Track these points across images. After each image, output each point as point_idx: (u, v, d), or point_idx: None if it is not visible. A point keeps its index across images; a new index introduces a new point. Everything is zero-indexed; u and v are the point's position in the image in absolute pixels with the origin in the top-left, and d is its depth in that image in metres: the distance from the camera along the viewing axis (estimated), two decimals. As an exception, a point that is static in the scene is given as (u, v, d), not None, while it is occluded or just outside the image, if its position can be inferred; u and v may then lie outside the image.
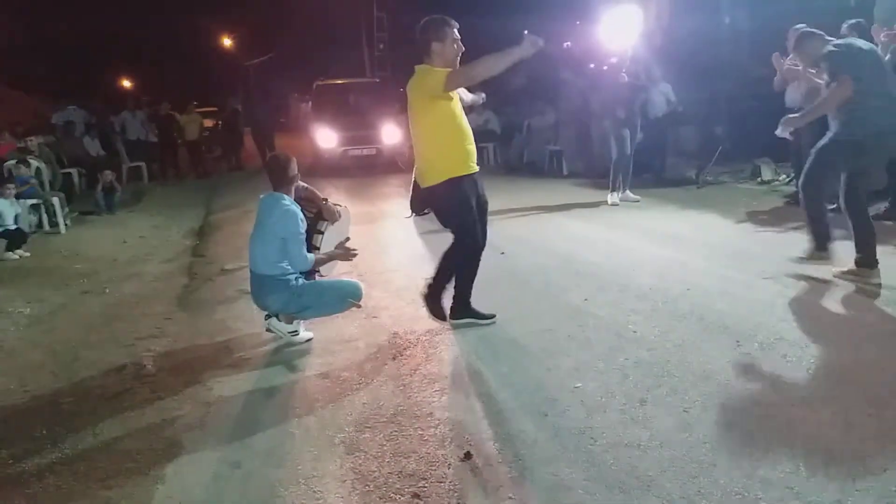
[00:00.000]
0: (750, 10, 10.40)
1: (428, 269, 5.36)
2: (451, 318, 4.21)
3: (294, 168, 4.10)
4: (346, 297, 4.10)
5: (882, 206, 6.46)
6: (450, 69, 3.86)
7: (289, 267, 3.97)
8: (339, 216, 4.30)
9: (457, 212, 4.02)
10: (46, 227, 8.76)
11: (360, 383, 3.53)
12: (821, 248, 4.91)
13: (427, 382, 3.47)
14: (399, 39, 28.68)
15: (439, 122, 3.95)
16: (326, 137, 13.45)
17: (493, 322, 4.19)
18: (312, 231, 4.19)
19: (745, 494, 2.37)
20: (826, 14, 7.23)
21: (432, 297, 4.21)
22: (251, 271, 4.09)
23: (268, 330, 4.15)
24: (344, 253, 4.22)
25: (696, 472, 2.52)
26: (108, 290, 5.85)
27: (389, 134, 13.29)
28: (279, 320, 4.12)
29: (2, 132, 10.46)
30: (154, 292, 5.74)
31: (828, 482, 2.40)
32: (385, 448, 2.85)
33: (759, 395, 3.09)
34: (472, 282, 4.16)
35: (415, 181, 4.23)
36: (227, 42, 36.68)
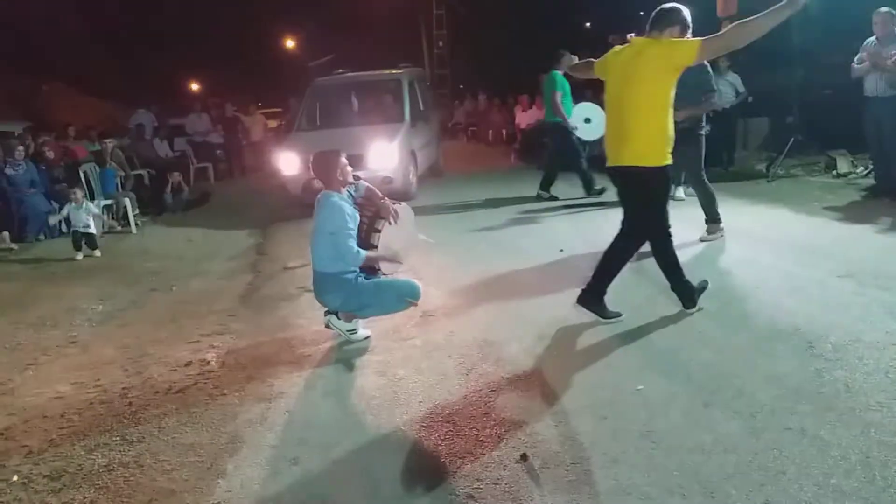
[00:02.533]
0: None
1: (480, 268, 5.36)
2: (579, 302, 4.09)
3: (341, 164, 4.07)
4: (405, 297, 4.09)
5: None
6: (701, 39, 3.63)
7: (346, 265, 3.98)
8: (397, 215, 4.29)
9: (659, 201, 4.00)
10: (118, 227, 9.13)
11: (416, 381, 3.53)
12: None
13: (483, 382, 3.44)
14: (458, 36, 28.98)
15: (668, 101, 3.77)
16: (288, 160, 9.36)
17: (620, 320, 4.06)
18: (371, 230, 4.18)
19: (816, 504, 2.25)
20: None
21: (596, 298, 4.08)
22: (313, 269, 4.14)
23: (327, 327, 4.20)
24: (392, 257, 4.23)
25: (763, 479, 2.41)
26: (174, 288, 6.05)
27: (379, 154, 9.11)
28: (339, 318, 4.16)
29: (67, 134, 10.88)
30: (219, 290, 5.90)
31: (908, 493, 2.26)
32: (440, 448, 2.84)
33: (832, 400, 2.93)
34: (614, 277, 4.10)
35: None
36: (290, 43, 37.49)
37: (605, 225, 6.74)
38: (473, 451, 2.78)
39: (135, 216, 9.24)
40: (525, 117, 14.89)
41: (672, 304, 4.26)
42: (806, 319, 3.80)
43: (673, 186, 8.11)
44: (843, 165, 8.64)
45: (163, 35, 28.36)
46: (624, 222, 4.11)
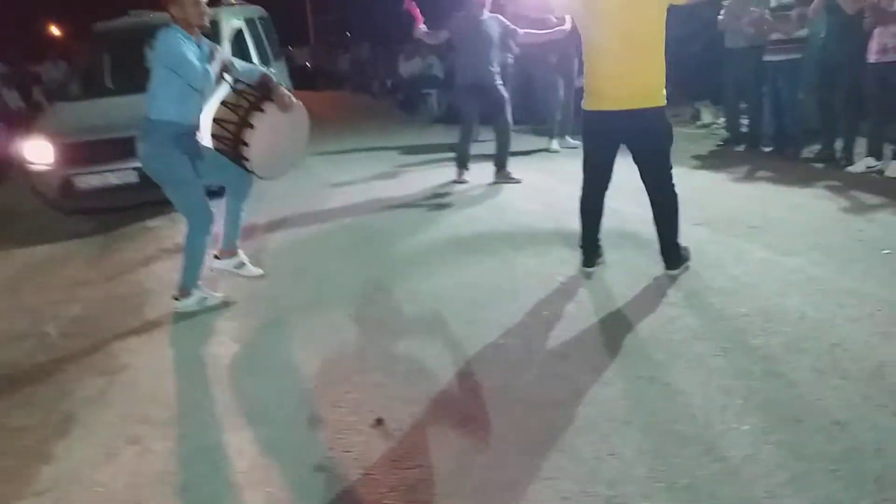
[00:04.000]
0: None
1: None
2: (669, 269, 3.79)
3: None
4: (244, 191, 3.95)
5: (815, 148, 6.47)
6: None
7: (187, 111, 3.58)
8: (291, 104, 3.69)
9: (671, 139, 3.70)
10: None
11: (274, 348, 3.37)
12: None
13: (341, 344, 3.32)
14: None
15: (664, 37, 3.50)
16: (37, 148, 6.09)
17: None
18: (244, 123, 3.55)
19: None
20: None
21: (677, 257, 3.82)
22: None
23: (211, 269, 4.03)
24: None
25: (610, 430, 2.45)
26: (14, 252, 5.52)
27: None
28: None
29: None
30: (68, 253, 5.43)
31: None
32: (296, 417, 2.72)
33: (681, 347, 3.03)
34: None
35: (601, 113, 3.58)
36: None
37: (485, 176, 6.74)
38: (327, 417, 2.68)
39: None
40: (408, 67, 14.60)
41: (537, 256, 4.29)
42: (661, 268, 3.90)
43: (548, 139, 8.25)
44: (706, 116, 9.03)
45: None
46: (651, 174, 3.71)
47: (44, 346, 3.65)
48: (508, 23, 6.49)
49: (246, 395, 2.93)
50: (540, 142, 8.44)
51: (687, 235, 4.41)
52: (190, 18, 3.51)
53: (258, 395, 2.91)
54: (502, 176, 6.51)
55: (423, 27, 6.28)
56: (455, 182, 6.63)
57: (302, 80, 24.02)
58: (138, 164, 4.70)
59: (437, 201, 6.00)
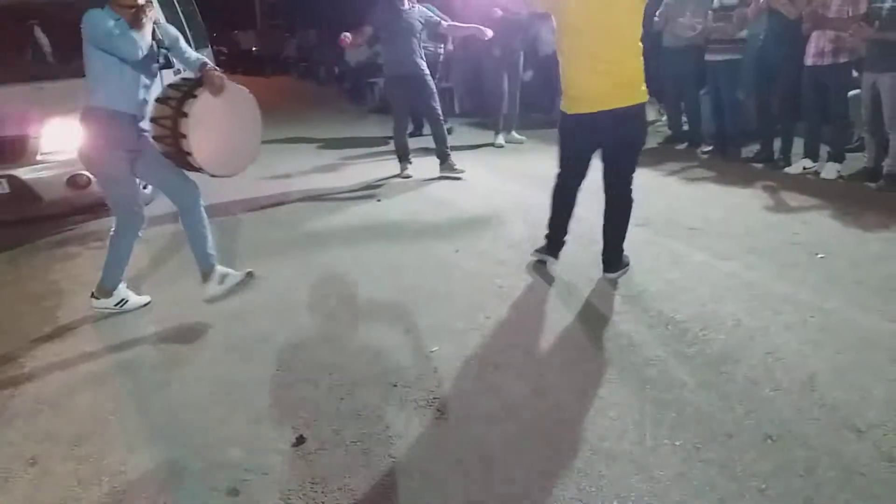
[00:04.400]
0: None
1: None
2: (608, 272, 3.75)
3: None
4: (192, 195, 3.55)
5: (753, 149, 6.55)
6: None
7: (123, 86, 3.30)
8: (223, 87, 3.37)
9: (645, 136, 3.60)
10: None
11: (195, 357, 3.18)
12: None
13: (265, 353, 3.16)
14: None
15: (640, 33, 3.40)
16: None
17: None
18: (178, 111, 3.29)
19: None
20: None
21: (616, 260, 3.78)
22: None
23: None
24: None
25: (540, 447, 2.36)
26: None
27: (61, 132, 5.05)
28: (95, 297, 3.66)
29: None
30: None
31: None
32: (209, 433, 2.55)
33: (615, 356, 2.97)
34: None
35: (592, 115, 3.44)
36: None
37: (429, 170, 6.60)
38: (245, 434, 2.53)
39: None
40: (355, 55, 14.33)
41: (477, 257, 4.20)
42: (599, 270, 3.85)
43: (494, 133, 8.17)
44: (650, 113, 9.05)
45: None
46: (614, 176, 3.64)
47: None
48: (433, 13, 6.47)
49: (159, 410, 2.74)
50: (487, 136, 8.36)
51: (627, 236, 4.40)
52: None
53: (172, 410, 2.73)
54: (447, 168, 6.45)
55: (347, 35, 6.19)
56: (399, 177, 6.50)
57: (248, 65, 23.56)
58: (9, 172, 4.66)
59: (375, 197, 5.85)
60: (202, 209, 3.59)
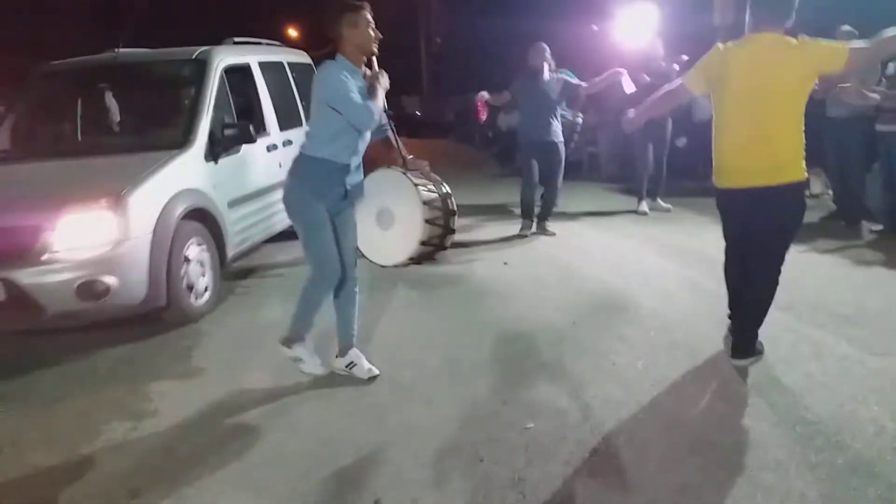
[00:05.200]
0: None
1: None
2: (736, 359, 3.47)
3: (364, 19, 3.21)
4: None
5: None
6: (852, 44, 3.17)
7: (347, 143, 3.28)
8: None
9: (801, 219, 3.36)
10: None
11: (297, 407, 3.28)
12: None
13: (363, 406, 3.19)
14: (458, 33, 28.59)
15: (803, 109, 3.21)
16: None
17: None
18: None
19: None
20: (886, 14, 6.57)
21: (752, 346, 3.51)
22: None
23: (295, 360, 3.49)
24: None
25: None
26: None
27: (82, 227, 3.93)
28: (292, 347, 3.46)
29: None
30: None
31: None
32: (296, 488, 2.60)
33: (729, 456, 2.69)
34: None
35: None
36: (293, 33, 37.24)
37: (562, 236, 6.50)
38: (321, 494, 2.54)
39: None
40: (507, 119, 14.62)
41: (595, 331, 4.03)
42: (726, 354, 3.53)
43: (638, 200, 7.93)
44: (816, 186, 8.38)
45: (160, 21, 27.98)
46: (760, 259, 3.40)
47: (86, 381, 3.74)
48: (572, 79, 6.66)
49: (252, 462, 2.84)
50: (631, 202, 8.13)
51: (766, 319, 4.05)
52: (365, 44, 3.23)
53: (267, 458, 2.82)
54: (541, 228, 6.75)
55: (484, 93, 6.72)
56: (518, 235, 6.74)
57: (411, 128, 24.85)
58: (5, 274, 3.68)
59: (503, 260, 5.82)
60: (356, 290, 3.59)
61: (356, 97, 3.13)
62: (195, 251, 4.53)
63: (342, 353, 3.55)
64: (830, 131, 6.64)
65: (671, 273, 5.21)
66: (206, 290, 4.67)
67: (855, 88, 6.11)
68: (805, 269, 5.08)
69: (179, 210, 4.34)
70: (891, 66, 6.06)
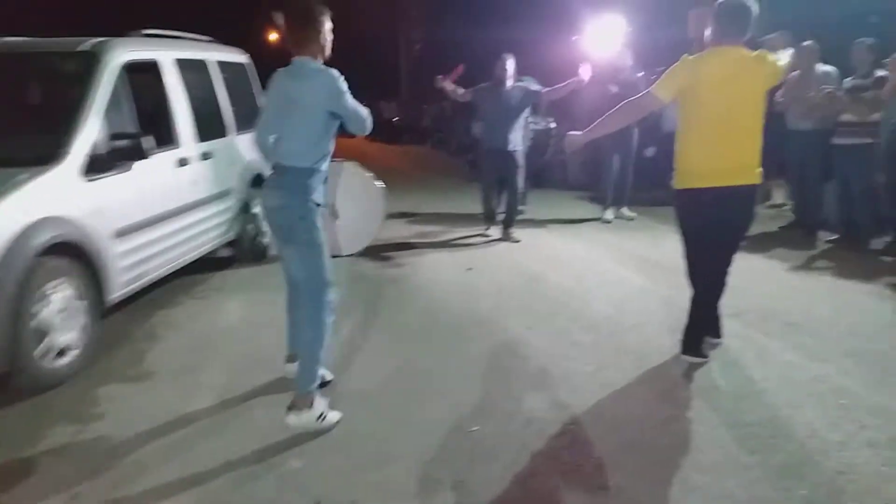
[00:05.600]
0: (767, 20, 9.89)
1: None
2: (686, 353, 3.63)
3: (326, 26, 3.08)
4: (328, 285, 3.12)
5: (885, 240, 5.98)
6: (785, 60, 3.57)
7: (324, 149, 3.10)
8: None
9: (753, 220, 3.66)
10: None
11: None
12: None
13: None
14: (436, 39, 28.73)
15: (763, 117, 3.50)
16: None
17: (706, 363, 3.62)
18: None
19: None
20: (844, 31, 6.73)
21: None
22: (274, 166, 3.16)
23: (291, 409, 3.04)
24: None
25: None
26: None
27: None
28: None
29: None
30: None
31: None
32: (239, 489, 2.61)
33: (667, 457, 2.75)
34: None
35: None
36: (273, 37, 37.09)
37: (529, 243, 6.57)
38: (264, 495, 2.56)
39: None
40: (479, 127, 14.71)
41: (549, 336, 4.08)
42: (673, 357, 3.61)
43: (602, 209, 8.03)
44: (777, 196, 8.55)
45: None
46: (722, 251, 3.59)
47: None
48: (533, 86, 6.85)
49: (196, 465, 2.85)
50: (596, 210, 8.22)
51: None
52: (327, 47, 3.13)
53: (199, 469, 2.83)
54: (506, 235, 6.90)
55: (445, 83, 6.72)
56: (482, 235, 7.05)
57: (388, 133, 24.86)
58: None
59: (467, 266, 5.86)
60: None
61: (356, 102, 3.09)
62: (60, 297, 3.56)
63: (292, 359, 3.46)
64: (792, 143, 6.79)
65: (628, 280, 5.30)
66: (72, 346, 3.66)
67: (822, 96, 6.25)
68: (759, 278, 5.20)
69: (35, 244, 3.37)
70: (847, 80, 6.22)
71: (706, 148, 3.47)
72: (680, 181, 3.58)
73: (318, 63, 3.09)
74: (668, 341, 3.92)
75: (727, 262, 3.59)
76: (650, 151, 10.10)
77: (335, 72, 3.02)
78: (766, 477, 2.57)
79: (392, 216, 8.45)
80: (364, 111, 3.12)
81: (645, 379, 3.48)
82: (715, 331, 3.80)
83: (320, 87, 3.01)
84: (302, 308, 3.20)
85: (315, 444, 2.92)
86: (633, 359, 3.72)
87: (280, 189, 3.09)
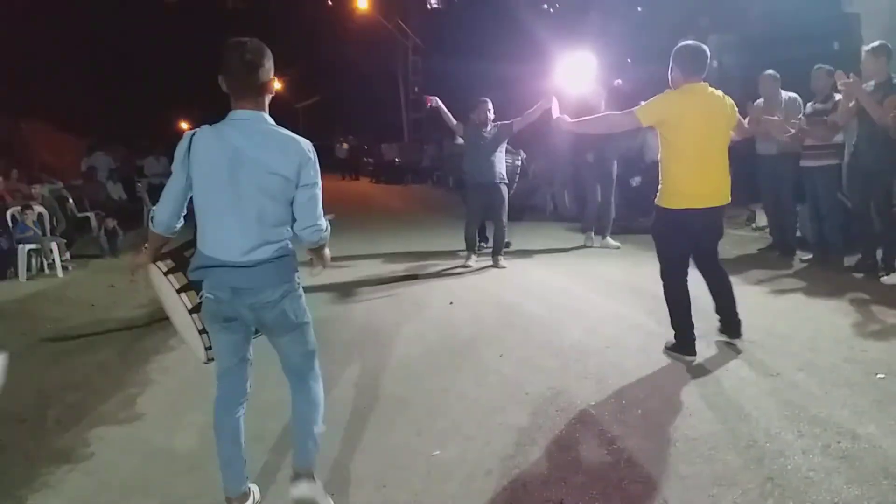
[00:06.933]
0: (738, 55, 10.23)
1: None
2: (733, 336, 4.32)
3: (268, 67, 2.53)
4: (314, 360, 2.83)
5: (854, 258, 6.15)
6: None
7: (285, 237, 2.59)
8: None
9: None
10: (46, 270, 9.13)
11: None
12: None
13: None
14: (433, 81, 29.38)
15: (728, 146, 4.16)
16: None
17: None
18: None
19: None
20: (809, 60, 6.99)
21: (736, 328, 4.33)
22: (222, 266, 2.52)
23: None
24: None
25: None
26: (68, 336, 6.02)
27: None
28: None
29: (10, 176, 10.85)
30: (107, 340, 5.86)
31: None
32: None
33: (597, 475, 2.93)
34: None
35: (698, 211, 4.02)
36: (277, 85, 38.02)
37: (511, 273, 6.79)
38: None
39: (64, 261, 9.24)
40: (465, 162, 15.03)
41: (518, 363, 4.26)
42: (636, 382, 3.79)
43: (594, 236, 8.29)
44: (760, 219, 8.74)
45: (148, 75, 28.74)
46: (706, 260, 4.28)
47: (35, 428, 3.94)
48: (507, 123, 7.31)
49: (176, 496, 3.05)
50: (581, 240, 8.46)
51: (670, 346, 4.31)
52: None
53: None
54: (495, 261, 7.46)
55: (438, 101, 7.40)
56: (463, 265, 7.47)
57: (390, 174, 25.37)
58: None
59: (449, 300, 6.08)
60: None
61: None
62: None
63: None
64: (762, 167, 7.03)
65: (601, 307, 5.50)
66: None
67: (778, 123, 6.50)
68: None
69: None
70: (808, 105, 6.47)
71: (694, 173, 3.98)
72: (668, 202, 4.06)
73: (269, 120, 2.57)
74: (630, 364, 4.12)
75: (715, 261, 4.29)
76: (636, 181, 10.40)
77: (304, 140, 2.56)
78: (700, 485, 2.75)
79: (386, 255, 8.74)
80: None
81: (601, 401, 3.66)
82: (735, 331, 4.29)
83: (307, 162, 2.53)
84: (297, 393, 2.81)
85: (287, 471, 3.12)
86: (591, 382, 3.91)
87: (275, 280, 2.58)
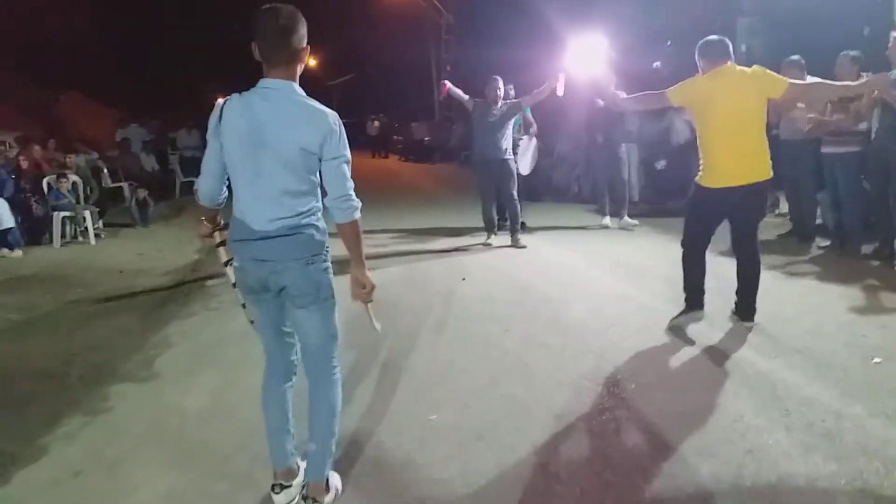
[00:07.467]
0: (765, 38, 10.07)
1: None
2: (746, 321, 4.37)
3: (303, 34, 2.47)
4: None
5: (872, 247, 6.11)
6: (791, 81, 4.23)
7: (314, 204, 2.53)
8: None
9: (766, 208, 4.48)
10: (79, 238, 9.46)
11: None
12: None
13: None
14: (465, 61, 29.28)
15: (765, 123, 4.24)
16: None
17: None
18: None
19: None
20: (838, 44, 6.88)
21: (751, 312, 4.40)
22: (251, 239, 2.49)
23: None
24: None
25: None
26: (96, 300, 6.28)
27: None
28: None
29: (47, 146, 11.20)
30: (131, 304, 6.10)
31: None
32: (218, 468, 2.99)
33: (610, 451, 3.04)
34: None
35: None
36: (311, 62, 38.22)
37: (525, 252, 6.89)
38: (218, 470, 2.93)
39: (96, 229, 9.55)
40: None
41: (522, 339, 4.37)
42: (629, 359, 3.87)
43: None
44: (785, 205, 8.66)
45: (184, 49, 29.09)
46: (745, 242, 4.34)
47: (65, 384, 4.17)
48: (516, 101, 7.41)
49: (184, 448, 3.24)
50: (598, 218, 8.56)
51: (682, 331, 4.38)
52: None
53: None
54: (514, 241, 7.46)
55: (453, 87, 7.59)
56: (482, 244, 7.54)
57: (419, 153, 25.46)
58: None
59: (462, 276, 6.19)
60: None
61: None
62: None
63: (287, 478, 2.72)
64: (783, 153, 6.95)
65: (611, 287, 5.57)
66: None
67: (800, 113, 6.47)
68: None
69: None
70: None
71: (729, 152, 4.11)
72: (707, 181, 4.20)
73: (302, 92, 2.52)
74: (631, 342, 4.20)
75: (753, 244, 4.32)
76: (661, 164, 10.36)
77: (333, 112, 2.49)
78: (681, 456, 2.84)
79: (407, 230, 8.88)
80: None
81: (597, 375, 3.75)
82: (748, 315, 4.35)
83: (335, 135, 2.45)
84: (312, 381, 2.66)
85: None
86: (591, 357, 4.00)
87: (296, 252, 2.51)
